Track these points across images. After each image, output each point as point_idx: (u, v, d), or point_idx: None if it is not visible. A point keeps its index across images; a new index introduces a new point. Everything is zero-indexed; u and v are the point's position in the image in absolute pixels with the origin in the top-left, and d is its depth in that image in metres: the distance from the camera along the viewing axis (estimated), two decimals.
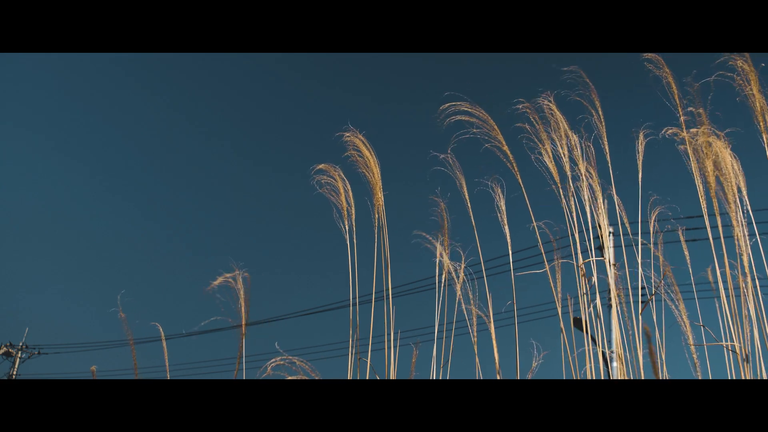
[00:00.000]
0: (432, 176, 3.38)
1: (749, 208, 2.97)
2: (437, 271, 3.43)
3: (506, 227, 3.25)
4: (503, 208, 3.25)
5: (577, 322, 3.12)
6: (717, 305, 3.03)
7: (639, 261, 3.20)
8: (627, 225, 3.21)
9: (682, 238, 3.24)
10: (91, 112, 30.38)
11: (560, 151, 3.17)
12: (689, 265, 3.16)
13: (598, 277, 3.10)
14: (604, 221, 3.21)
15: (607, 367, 3.08)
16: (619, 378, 2.92)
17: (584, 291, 3.06)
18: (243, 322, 3.29)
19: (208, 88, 30.44)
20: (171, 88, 30.65)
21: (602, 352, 3.00)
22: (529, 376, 3.13)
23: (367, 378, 3.16)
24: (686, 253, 3.21)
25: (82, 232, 30.41)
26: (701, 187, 3.00)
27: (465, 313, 3.31)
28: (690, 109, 3.11)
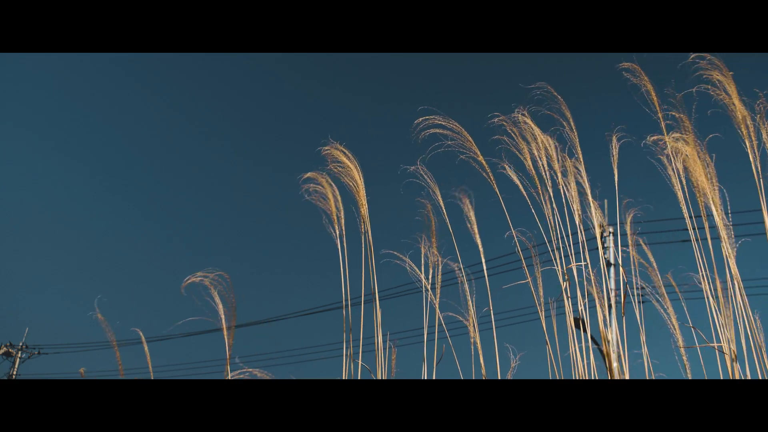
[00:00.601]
0: (407, 186, 3.44)
1: (717, 211, 3.02)
2: (425, 272, 3.47)
3: (477, 237, 3.31)
4: (473, 218, 3.31)
5: (577, 322, 3.14)
6: (684, 307, 3.09)
7: (620, 263, 3.24)
8: (606, 227, 3.25)
9: (652, 244, 3.29)
10: (91, 112, 30.37)
11: (537, 155, 3.22)
12: (655, 269, 3.22)
13: (578, 280, 3.15)
14: (600, 219, 3.25)
15: (607, 366, 3.11)
16: (618, 378, 2.94)
17: (568, 295, 3.10)
18: (224, 325, 3.33)
19: (208, 88, 30.43)
20: (171, 88, 30.65)
21: (601, 350, 3.02)
22: (509, 376, 3.18)
23: (357, 378, 3.21)
24: (652, 258, 3.25)
25: (82, 232, 30.40)
26: (680, 192, 3.06)
27: (440, 318, 3.37)
28: (672, 113, 3.16)
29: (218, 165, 30.61)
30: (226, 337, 3.25)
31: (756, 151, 2.97)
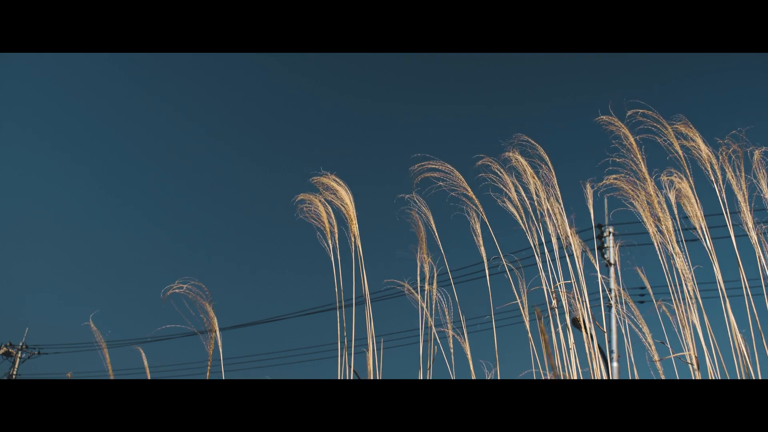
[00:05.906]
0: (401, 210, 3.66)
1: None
2: (418, 280, 3.64)
3: (482, 248, 3.51)
4: (479, 230, 3.52)
5: (576, 322, 3.17)
6: (624, 316, 3.20)
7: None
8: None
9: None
10: (91, 112, 30.32)
11: (531, 187, 3.44)
12: (640, 275, 3.37)
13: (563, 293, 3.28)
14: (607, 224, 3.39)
15: (608, 367, 3.16)
16: (619, 378, 2.99)
17: (553, 306, 3.21)
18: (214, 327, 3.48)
19: (208, 88, 30.40)
20: (171, 88, 30.61)
21: (599, 350, 3.07)
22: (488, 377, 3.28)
23: (343, 378, 3.33)
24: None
25: (82, 232, 30.37)
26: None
27: (431, 323, 3.54)
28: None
29: (218, 165, 30.62)
30: (219, 340, 3.38)
31: None
